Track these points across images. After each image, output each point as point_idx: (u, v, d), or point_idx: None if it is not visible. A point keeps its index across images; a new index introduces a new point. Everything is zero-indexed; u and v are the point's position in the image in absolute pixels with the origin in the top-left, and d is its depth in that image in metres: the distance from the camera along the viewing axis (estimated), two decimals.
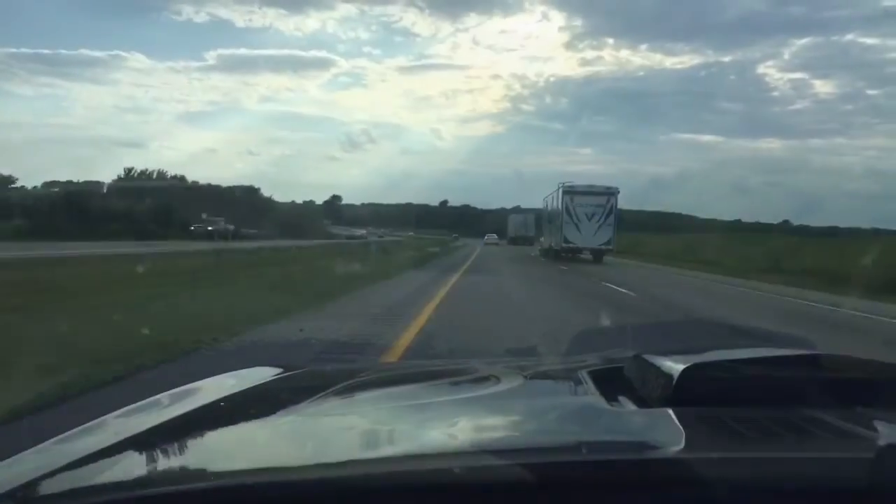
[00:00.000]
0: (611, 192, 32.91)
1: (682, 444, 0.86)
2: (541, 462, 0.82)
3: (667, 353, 1.18)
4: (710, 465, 0.79)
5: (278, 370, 1.61)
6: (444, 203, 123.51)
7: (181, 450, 1.03)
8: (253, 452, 1.02)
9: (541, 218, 46.10)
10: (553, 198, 36.05)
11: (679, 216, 43.70)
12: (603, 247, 32.83)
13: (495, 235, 72.03)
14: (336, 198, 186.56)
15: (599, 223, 32.62)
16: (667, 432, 0.92)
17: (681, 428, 0.92)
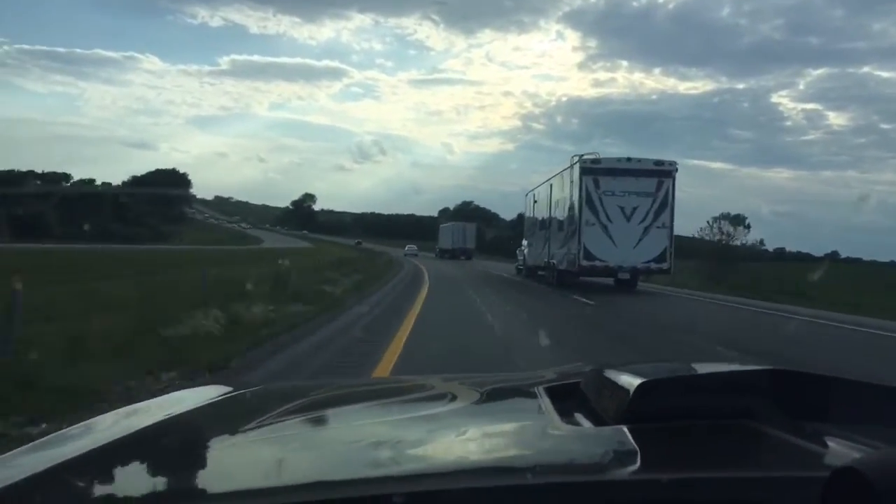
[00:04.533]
0: (663, 170, 18.87)
1: (637, 465, 0.86)
2: (489, 486, 0.81)
3: (624, 367, 1.16)
4: (666, 488, 0.78)
5: (227, 389, 1.51)
6: (443, 211, 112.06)
7: (108, 479, 0.97)
8: (184, 479, 0.96)
9: (521, 222, 31.73)
10: (554, 186, 22.00)
11: (691, 239, 29.76)
12: (653, 265, 18.78)
13: (415, 246, 65.85)
14: (308, 196, 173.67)
15: (647, 224, 18.60)
16: (621, 452, 0.92)
17: (636, 447, 0.90)
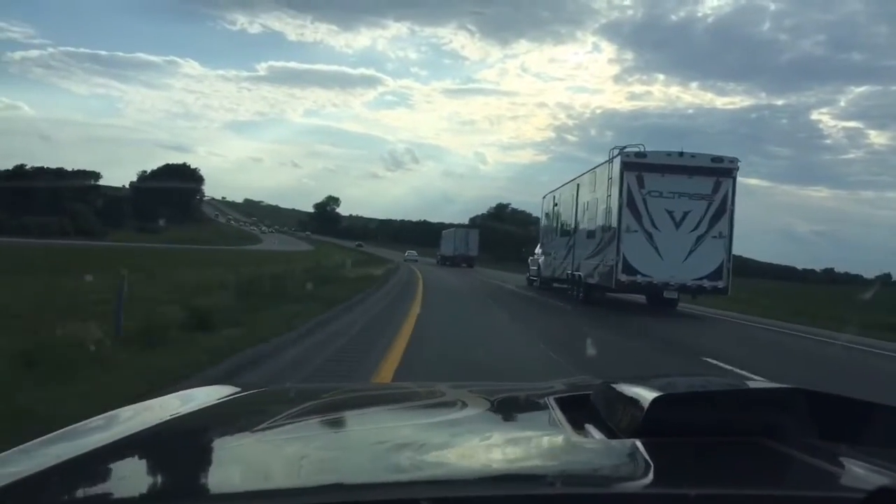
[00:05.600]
0: (722, 168, 15.54)
1: (651, 478, 0.85)
2: (504, 494, 0.80)
3: (635, 381, 1.14)
4: (681, 503, 0.77)
5: (234, 389, 1.50)
6: (474, 219, 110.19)
7: (114, 478, 0.97)
8: (191, 480, 0.95)
9: (538, 226, 27.92)
10: (583, 185, 18.77)
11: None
12: (706, 283, 15.45)
13: (415, 252, 66.85)
14: (332, 199, 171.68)
15: (700, 232, 15.31)
16: (636, 465, 0.91)
17: (650, 461, 0.89)
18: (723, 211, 15.32)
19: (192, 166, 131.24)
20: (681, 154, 15.44)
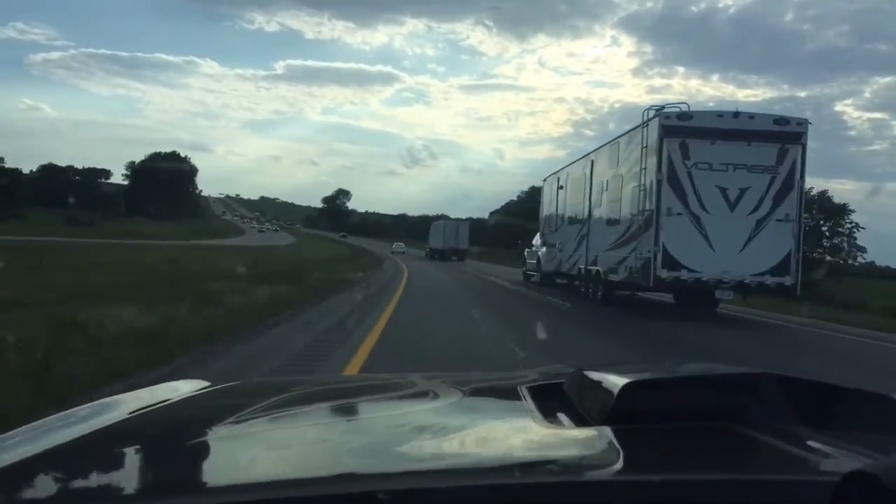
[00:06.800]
0: (788, 132, 12.13)
1: (621, 465, 0.85)
2: (472, 484, 0.79)
3: (607, 367, 1.15)
4: (649, 489, 0.77)
5: (204, 384, 1.48)
6: (494, 213, 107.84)
7: (84, 472, 0.95)
8: (158, 474, 0.94)
9: (540, 213, 23.60)
10: (598, 161, 15.43)
11: None
12: (769, 279, 12.08)
13: (402, 244, 66.21)
14: (342, 192, 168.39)
15: (761, 215, 11.96)
16: (605, 452, 0.91)
17: (619, 448, 0.89)
18: (790, 187, 11.96)
19: (184, 156, 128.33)
20: (736, 115, 12.07)
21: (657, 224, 11.79)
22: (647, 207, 12.13)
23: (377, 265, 31.62)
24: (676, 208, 11.78)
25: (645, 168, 12.29)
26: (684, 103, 12.55)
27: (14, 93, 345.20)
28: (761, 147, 11.90)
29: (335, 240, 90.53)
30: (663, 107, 12.35)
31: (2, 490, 0.81)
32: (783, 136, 12.00)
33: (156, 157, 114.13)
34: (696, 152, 11.79)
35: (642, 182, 12.38)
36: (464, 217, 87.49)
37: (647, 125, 12.40)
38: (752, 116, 12.12)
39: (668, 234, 11.76)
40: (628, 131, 13.78)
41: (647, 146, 12.28)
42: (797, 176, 12.02)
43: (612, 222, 14.18)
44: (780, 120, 12.17)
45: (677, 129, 11.86)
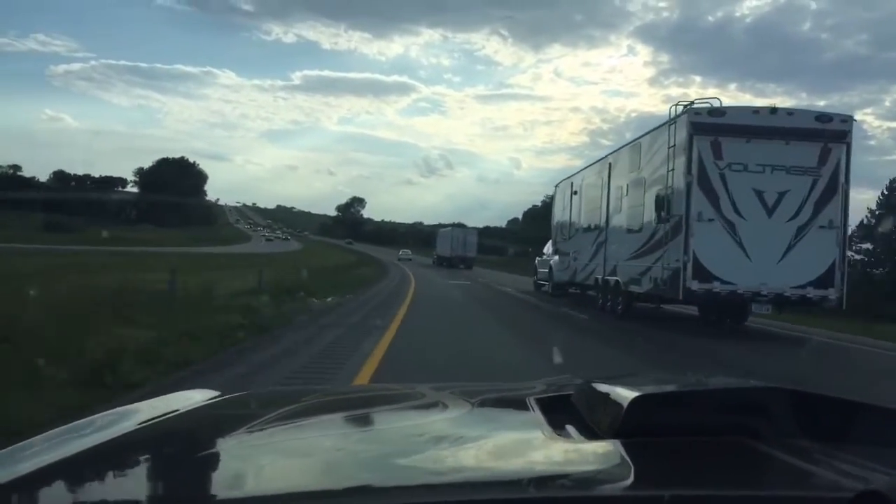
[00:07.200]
0: (831, 130, 10.99)
1: (632, 480, 0.84)
2: (486, 498, 0.79)
3: (616, 380, 1.14)
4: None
5: (214, 393, 1.48)
6: (512, 221, 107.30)
7: (98, 482, 0.96)
8: (170, 485, 0.94)
9: (552, 220, 22.41)
10: (617, 164, 14.23)
11: None
12: (811, 291, 10.91)
13: (409, 251, 66.33)
14: (357, 200, 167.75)
15: (802, 221, 10.82)
16: (617, 467, 0.90)
17: (630, 462, 0.88)
18: (833, 190, 10.83)
19: (193, 163, 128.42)
20: (773, 110, 10.97)
21: (687, 231, 10.67)
22: (676, 213, 11.01)
23: (380, 276, 28.47)
24: (708, 213, 10.67)
25: (672, 169, 11.19)
26: (716, 98, 11.47)
27: (36, 104, 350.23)
28: (802, 146, 10.78)
29: (342, 247, 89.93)
30: (692, 102, 11.26)
31: (19, 499, 0.83)
32: (826, 134, 10.87)
33: (164, 163, 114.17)
34: (730, 152, 10.68)
35: (670, 184, 11.27)
36: (480, 226, 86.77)
37: (675, 122, 11.29)
38: (791, 112, 11.02)
39: (698, 242, 10.64)
40: (652, 130, 12.68)
41: (674, 145, 11.17)
42: (841, 178, 10.89)
43: (633, 229, 13.07)
44: (823, 116, 11.04)
45: (708, 126, 10.76)
